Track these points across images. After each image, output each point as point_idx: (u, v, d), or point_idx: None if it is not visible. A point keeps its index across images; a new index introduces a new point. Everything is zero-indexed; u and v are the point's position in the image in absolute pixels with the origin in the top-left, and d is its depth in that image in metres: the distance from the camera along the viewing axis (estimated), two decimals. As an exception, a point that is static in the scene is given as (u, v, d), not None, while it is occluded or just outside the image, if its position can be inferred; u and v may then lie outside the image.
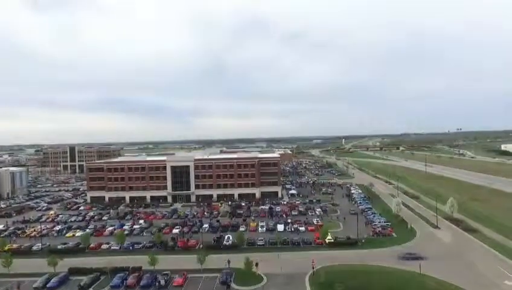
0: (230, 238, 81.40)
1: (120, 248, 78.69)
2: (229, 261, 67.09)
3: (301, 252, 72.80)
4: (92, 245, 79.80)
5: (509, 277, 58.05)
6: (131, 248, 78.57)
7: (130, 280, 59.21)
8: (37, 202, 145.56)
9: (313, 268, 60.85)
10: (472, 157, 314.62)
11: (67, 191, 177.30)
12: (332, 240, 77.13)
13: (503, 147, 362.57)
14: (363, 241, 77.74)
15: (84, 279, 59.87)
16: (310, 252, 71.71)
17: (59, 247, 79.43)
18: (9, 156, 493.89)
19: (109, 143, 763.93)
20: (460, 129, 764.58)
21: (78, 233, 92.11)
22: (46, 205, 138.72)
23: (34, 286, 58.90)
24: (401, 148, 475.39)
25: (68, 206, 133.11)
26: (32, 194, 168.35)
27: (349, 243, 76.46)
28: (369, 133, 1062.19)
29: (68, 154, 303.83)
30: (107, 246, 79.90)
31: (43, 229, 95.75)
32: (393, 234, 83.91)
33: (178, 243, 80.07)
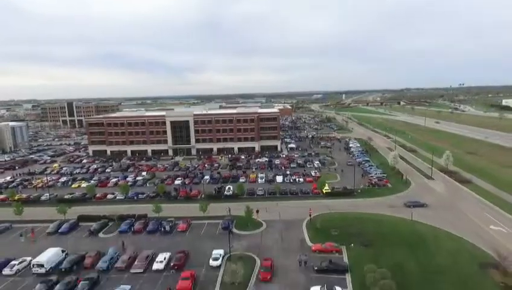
0: (231, 188, 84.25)
1: (125, 197, 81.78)
2: (229, 209, 70.24)
3: (299, 201, 75.91)
4: (97, 195, 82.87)
5: (495, 222, 61.35)
6: (135, 197, 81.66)
7: (137, 225, 62.45)
8: (40, 156, 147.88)
9: (310, 215, 63.95)
10: (463, 111, 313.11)
11: (69, 145, 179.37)
12: (329, 190, 79.98)
13: (504, 102, 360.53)
14: (359, 191, 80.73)
15: (94, 225, 63.11)
16: (308, 201, 74.84)
17: (66, 197, 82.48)
18: (7, 111, 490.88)
19: (107, 98, 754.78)
20: (463, 84, 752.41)
21: (84, 184, 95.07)
22: (49, 158, 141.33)
23: (47, 231, 62.34)
24: (401, 103, 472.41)
25: (71, 160, 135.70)
26: (35, 148, 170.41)
27: (345, 193, 79.39)
28: (370, 88, 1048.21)
29: (66, 109, 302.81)
30: (113, 196, 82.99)
31: (49, 181, 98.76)
32: (389, 184, 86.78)
33: (180, 193, 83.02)
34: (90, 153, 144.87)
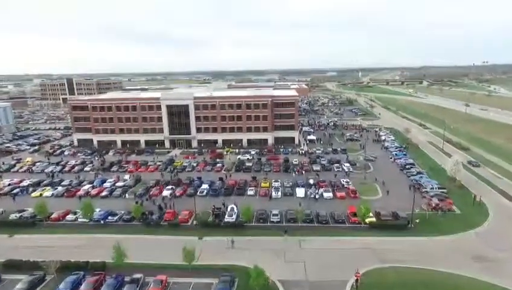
0: (235, 210, 60.97)
1: (89, 220, 59.60)
2: (232, 241, 49.10)
3: (332, 238, 52.07)
4: (53, 215, 60.80)
5: None
6: (102, 221, 59.18)
7: (85, 288, 40.26)
8: (19, 144, 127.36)
9: (357, 281, 40.25)
10: (490, 93, 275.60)
11: (58, 129, 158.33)
12: (374, 220, 55.98)
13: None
14: (416, 221, 56.10)
15: (21, 282, 41.36)
16: (344, 239, 51.23)
17: (12, 217, 60.79)
18: (14, 86, 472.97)
19: (117, 74, 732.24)
20: (487, 62, 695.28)
21: (48, 192, 73.85)
22: (28, 147, 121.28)
23: None
24: (424, 82, 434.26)
25: (51, 151, 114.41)
26: (18, 133, 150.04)
27: (397, 226, 55.23)
28: (386, 65, 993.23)
29: (66, 86, 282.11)
30: (74, 217, 60.69)
31: (7, 185, 78.14)
32: (454, 207, 62.08)
33: (165, 214, 60.46)
34: (75, 143, 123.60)
